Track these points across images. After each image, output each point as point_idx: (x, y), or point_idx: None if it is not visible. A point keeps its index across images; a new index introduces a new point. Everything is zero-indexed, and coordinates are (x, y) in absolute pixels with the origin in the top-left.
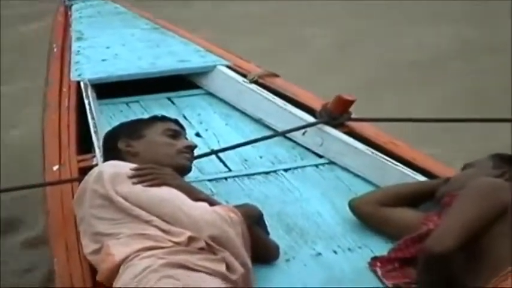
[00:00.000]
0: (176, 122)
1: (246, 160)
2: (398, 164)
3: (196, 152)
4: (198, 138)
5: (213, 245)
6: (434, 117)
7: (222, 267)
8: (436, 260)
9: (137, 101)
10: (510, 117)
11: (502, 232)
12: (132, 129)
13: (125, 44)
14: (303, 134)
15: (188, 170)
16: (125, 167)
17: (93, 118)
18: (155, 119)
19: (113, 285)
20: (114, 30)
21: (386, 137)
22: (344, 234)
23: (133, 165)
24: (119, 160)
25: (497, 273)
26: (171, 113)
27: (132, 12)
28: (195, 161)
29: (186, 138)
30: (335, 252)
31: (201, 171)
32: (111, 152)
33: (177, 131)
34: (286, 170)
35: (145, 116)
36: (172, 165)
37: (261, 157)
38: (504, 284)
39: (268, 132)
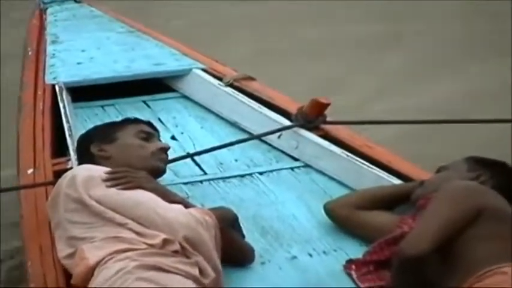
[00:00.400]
0: (149, 124)
1: (221, 163)
2: (373, 167)
3: (171, 155)
4: (174, 142)
5: (188, 248)
6: (412, 119)
7: (195, 271)
8: (410, 263)
9: (112, 105)
10: None
11: (476, 235)
12: (104, 133)
13: (100, 47)
14: (279, 137)
15: (162, 172)
16: (98, 171)
17: (68, 121)
18: (127, 122)
19: None
20: (90, 33)
21: (361, 140)
22: (319, 237)
23: (107, 169)
24: (93, 164)
25: (471, 275)
26: (147, 116)
27: (108, 16)
28: (170, 164)
29: (160, 140)
30: (310, 255)
31: (176, 175)
32: (85, 156)
33: (150, 133)
34: (261, 173)
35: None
36: (146, 168)
37: (236, 160)
38: (479, 285)
39: (243, 136)
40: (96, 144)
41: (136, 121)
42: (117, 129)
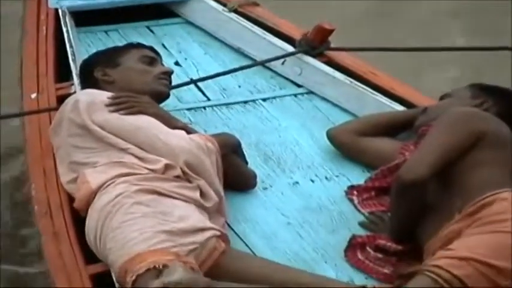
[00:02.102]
0: (152, 48)
1: (224, 89)
2: (377, 93)
3: (175, 81)
4: (177, 67)
5: (189, 173)
6: (418, 46)
7: (196, 195)
8: (408, 188)
9: (116, 30)
10: None
11: (476, 160)
12: (107, 58)
13: None
14: (282, 63)
15: (166, 96)
16: (101, 95)
17: (71, 46)
18: (131, 46)
19: (88, 212)
20: None
21: (365, 67)
22: (322, 163)
23: (110, 94)
24: (96, 89)
25: (471, 201)
26: (150, 42)
27: None
28: (173, 90)
29: (163, 65)
30: (312, 181)
31: (179, 100)
32: (88, 81)
33: (153, 58)
34: (264, 100)
35: None
36: (150, 92)
37: (239, 86)
38: (480, 215)
39: (247, 62)
40: (100, 69)
41: (139, 46)
42: (121, 54)
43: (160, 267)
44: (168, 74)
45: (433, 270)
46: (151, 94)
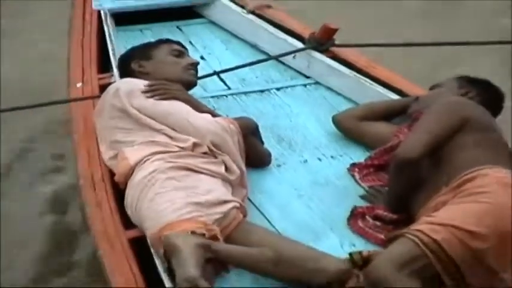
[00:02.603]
0: (179, 43)
1: (243, 80)
2: (375, 84)
3: (200, 73)
4: (202, 61)
5: (214, 150)
6: (418, 42)
7: (221, 169)
8: (404, 166)
9: (149, 28)
10: None
11: (461, 142)
12: (142, 52)
13: None
14: (293, 57)
15: (193, 84)
16: (138, 84)
17: (111, 42)
18: (162, 42)
19: (127, 185)
20: None
21: (366, 61)
22: (327, 144)
23: (146, 82)
24: (133, 78)
25: (456, 176)
26: (179, 39)
27: None
28: (199, 81)
29: (189, 57)
30: (319, 159)
31: (204, 90)
32: (126, 72)
33: (181, 51)
34: (278, 89)
35: None
36: (179, 81)
37: (256, 77)
38: (473, 190)
39: (263, 56)
40: (136, 62)
41: (169, 41)
42: (153, 48)
43: (188, 230)
44: (195, 65)
45: (415, 233)
46: (181, 82)
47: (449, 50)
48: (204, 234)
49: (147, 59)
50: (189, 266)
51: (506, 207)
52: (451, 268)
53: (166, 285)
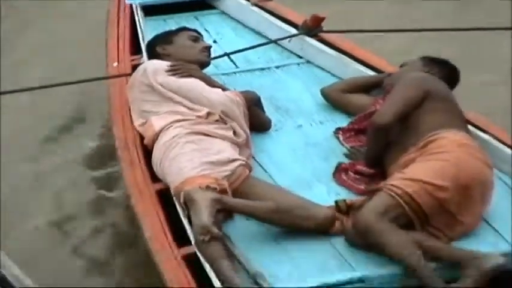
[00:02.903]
0: (195, 30)
1: (248, 60)
2: (356, 63)
3: (213, 54)
4: (215, 44)
5: (224, 118)
6: (400, 28)
7: (230, 133)
8: (379, 130)
9: (171, 18)
10: None
11: (425, 109)
12: (165, 37)
13: None
14: (289, 41)
15: (207, 64)
16: (162, 64)
17: (141, 30)
18: (181, 29)
19: (154, 147)
20: None
21: (349, 44)
22: (317, 112)
23: (168, 63)
24: (158, 60)
25: (421, 137)
26: (196, 27)
27: None
28: (212, 61)
29: (204, 42)
30: (311, 124)
31: (216, 68)
32: (152, 54)
33: (197, 37)
34: (277, 67)
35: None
36: (196, 61)
37: (258, 58)
38: (435, 150)
39: (264, 40)
40: (160, 45)
41: (186, 29)
42: (174, 34)
43: (204, 187)
44: (208, 48)
45: (391, 188)
46: (197, 63)
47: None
48: (215, 189)
49: (169, 43)
50: (204, 216)
51: (462, 164)
52: (420, 215)
53: (187, 227)
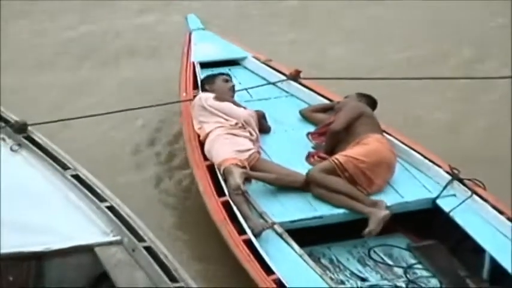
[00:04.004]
0: (227, 74)
1: (258, 93)
2: (321, 96)
3: (238, 89)
4: (240, 84)
5: (245, 125)
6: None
7: (248, 134)
8: (333, 133)
9: (216, 69)
10: None
11: (360, 122)
12: (210, 79)
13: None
14: (281, 83)
15: (233, 96)
16: (209, 95)
17: (198, 75)
18: (218, 74)
19: (206, 141)
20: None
21: (319, 87)
22: (297, 123)
23: (213, 94)
24: (206, 92)
25: (357, 139)
26: (230, 75)
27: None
28: (238, 92)
29: (231, 82)
30: (293, 130)
31: (241, 97)
32: (203, 89)
33: (227, 79)
34: (275, 98)
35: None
36: (227, 94)
37: (264, 92)
38: (363, 143)
39: (267, 82)
40: (207, 84)
41: (221, 74)
42: (215, 77)
43: (234, 164)
44: (233, 86)
45: (332, 159)
46: (227, 94)
47: None
48: (239, 165)
49: (211, 83)
50: (237, 179)
51: (376, 149)
52: (347, 175)
53: (224, 187)
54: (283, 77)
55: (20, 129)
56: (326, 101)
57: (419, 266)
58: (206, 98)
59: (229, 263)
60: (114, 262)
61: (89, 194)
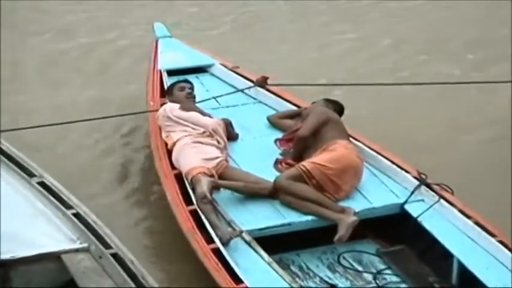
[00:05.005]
0: (185, 81)
1: (226, 100)
2: (288, 102)
3: (205, 97)
4: (208, 92)
5: (213, 133)
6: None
7: (215, 142)
8: (300, 139)
9: (183, 77)
10: None
11: (327, 128)
12: (169, 89)
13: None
14: (249, 90)
15: (194, 101)
16: (175, 105)
17: (166, 83)
18: (174, 84)
19: (173, 149)
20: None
21: (286, 93)
22: (265, 130)
23: (178, 105)
24: (172, 102)
25: (324, 144)
26: (197, 82)
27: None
28: (212, 100)
29: (191, 88)
30: (261, 136)
31: (209, 105)
32: (169, 98)
33: (183, 86)
34: (242, 104)
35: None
36: (184, 101)
37: (231, 99)
38: (330, 149)
39: (235, 90)
40: (167, 96)
41: (177, 82)
42: (172, 88)
43: (202, 173)
44: (190, 92)
45: (299, 166)
46: (185, 102)
47: None
48: (207, 174)
49: (170, 94)
50: (204, 188)
51: (343, 156)
52: (314, 182)
53: (192, 195)
54: (251, 84)
55: None
56: (293, 107)
57: (388, 271)
58: (171, 108)
59: (197, 269)
60: (81, 269)
61: (55, 201)
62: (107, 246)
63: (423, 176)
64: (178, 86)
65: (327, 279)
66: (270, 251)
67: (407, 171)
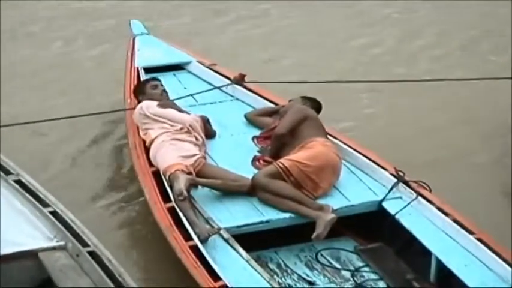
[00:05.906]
0: (154, 79)
1: (203, 97)
2: (266, 100)
3: (182, 95)
4: (185, 89)
5: (190, 130)
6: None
7: (193, 139)
8: (278, 137)
9: (161, 75)
10: None
11: (305, 126)
12: (140, 89)
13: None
14: (226, 87)
15: (168, 99)
16: (152, 103)
17: (142, 79)
18: (145, 82)
19: (151, 147)
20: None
21: (264, 92)
22: (242, 127)
23: (156, 102)
24: (148, 100)
25: (302, 142)
26: (174, 80)
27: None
28: (189, 97)
29: (162, 85)
30: (239, 134)
31: (186, 102)
32: (138, 100)
33: (156, 85)
34: (220, 102)
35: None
36: (158, 99)
37: (209, 96)
38: (308, 147)
39: (212, 87)
40: (139, 95)
41: (148, 81)
42: (144, 86)
43: (180, 170)
44: (163, 90)
45: (277, 163)
46: (160, 100)
47: None
48: (184, 171)
49: (143, 93)
50: (181, 185)
51: (321, 153)
52: (292, 179)
53: (170, 192)
54: (228, 81)
55: None
56: (271, 105)
57: (366, 268)
58: (148, 106)
59: (175, 267)
60: (59, 267)
61: (32, 199)
62: (84, 244)
63: (401, 173)
64: (150, 84)
65: (305, 276)
66: (248, 249)
67: (385, 168)
